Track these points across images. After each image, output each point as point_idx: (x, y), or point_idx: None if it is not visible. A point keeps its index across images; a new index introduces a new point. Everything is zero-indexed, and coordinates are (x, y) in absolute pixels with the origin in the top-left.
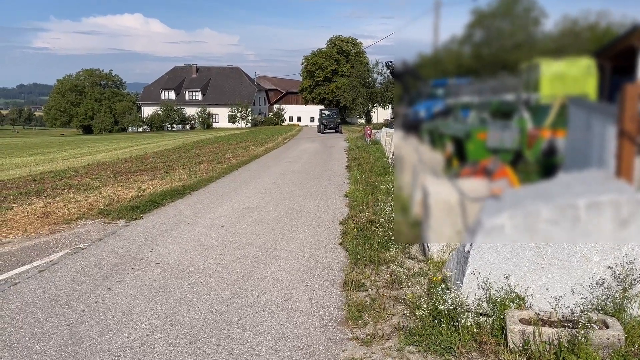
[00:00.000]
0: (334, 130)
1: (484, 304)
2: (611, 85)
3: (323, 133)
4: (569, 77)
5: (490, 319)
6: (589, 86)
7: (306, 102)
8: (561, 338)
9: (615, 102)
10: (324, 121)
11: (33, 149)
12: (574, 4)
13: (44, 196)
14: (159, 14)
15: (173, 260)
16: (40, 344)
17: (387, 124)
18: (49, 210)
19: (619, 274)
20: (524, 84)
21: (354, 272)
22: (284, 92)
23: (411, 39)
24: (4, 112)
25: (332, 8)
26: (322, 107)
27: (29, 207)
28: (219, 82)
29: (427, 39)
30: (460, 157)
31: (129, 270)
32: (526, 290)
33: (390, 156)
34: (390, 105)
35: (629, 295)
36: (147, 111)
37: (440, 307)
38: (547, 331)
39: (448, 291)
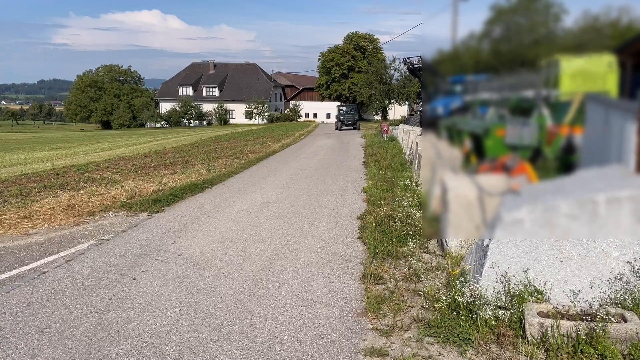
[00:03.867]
0: (352, 127)
1: (503, 297)
2: (633, 81)
3: (340, 130)
4: (589, 73)
5: (509, 312)
6: (610, 83)
7: (322, 99)
8: (579, 331)
9: (636, 98)
10: (341, 117)
11: (54, 143)
12: (595, 0)
13: (68, 189)
14: (176, 10)
15: (195, 252)
16: (71, 330)
17: (404, 120)
18: (73, 202)
19: (638, 268)
20: (543, 81)
21: (372, 265)
22: (301, 89)
23: (429, 35)
24: (25, 107)
25: (350, 4)
26: (340, 103)
27: (54, 200)
28: (236, 79)
29: (446, 35)
30: (479, 154)
31: (152, 261)
32: (545, 284)
33: (407, 152)
34: (407, 102)
35: None
36: (165, 107)
37: (459, 300)
38: (565, 324)
39: (467, 284)
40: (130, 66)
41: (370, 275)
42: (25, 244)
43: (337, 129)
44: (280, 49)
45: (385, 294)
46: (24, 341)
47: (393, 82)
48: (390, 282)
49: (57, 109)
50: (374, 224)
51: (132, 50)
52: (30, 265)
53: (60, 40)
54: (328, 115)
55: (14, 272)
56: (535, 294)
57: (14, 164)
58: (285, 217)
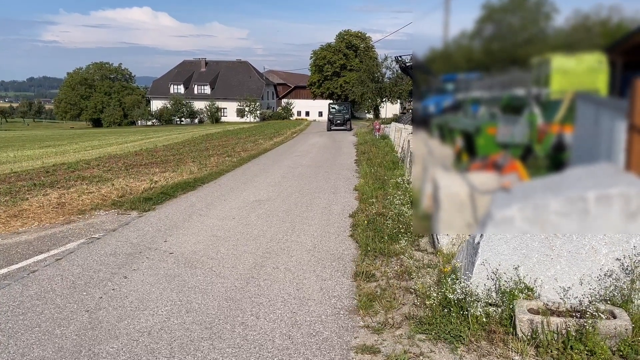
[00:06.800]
0: (343, 127)
1: (493, 294)
2: (622, 80)
3: (331, 130)
4: (579, 72)
5: (499, 309)
6: (600, 82)
7: (314, 97)
8: (569, 327)
9: (626, 97)
10: (330, 116)
11: (44, 141)
12: None
13: (58, 187)
14: (167, 8)
15: (186, 250)
16: (61, 329)
17: (396, 119)
18: (63, 201)
19: (627, 265)
20: (534, 79)
21: (364, 263)
22: (293, 87)
23: (421, 33)
24: (14, 104)
25: (343, 2)
26: (331, 101)
27: (44, 198)
28: (228, 76)
29: (437, 33)
30: (470, 152)
31: (143, 259)
32: (535, 280)
33: (399, 150)
34: (399, 100)
35: (637, 287)
36: (156, 105)
37: (450, 297)
38: (555, 321)
39: (458, 281)
40: (121, 64)
41: (362, 273)
42: (14, 242)
43: (328, 129)
44: (272, 47)
45: (376, 292)
46: (14, 340)
47: (385, 80)
48: (382, 280)
49: (47, 106)
50: (365, 221)
51: (123, 47)
52: (20, 264)
53: (49, 37)
54: (320, 114)
55: (4, 270)
56: (526, 290)
57: (3, 162)
58: (277, 215)
